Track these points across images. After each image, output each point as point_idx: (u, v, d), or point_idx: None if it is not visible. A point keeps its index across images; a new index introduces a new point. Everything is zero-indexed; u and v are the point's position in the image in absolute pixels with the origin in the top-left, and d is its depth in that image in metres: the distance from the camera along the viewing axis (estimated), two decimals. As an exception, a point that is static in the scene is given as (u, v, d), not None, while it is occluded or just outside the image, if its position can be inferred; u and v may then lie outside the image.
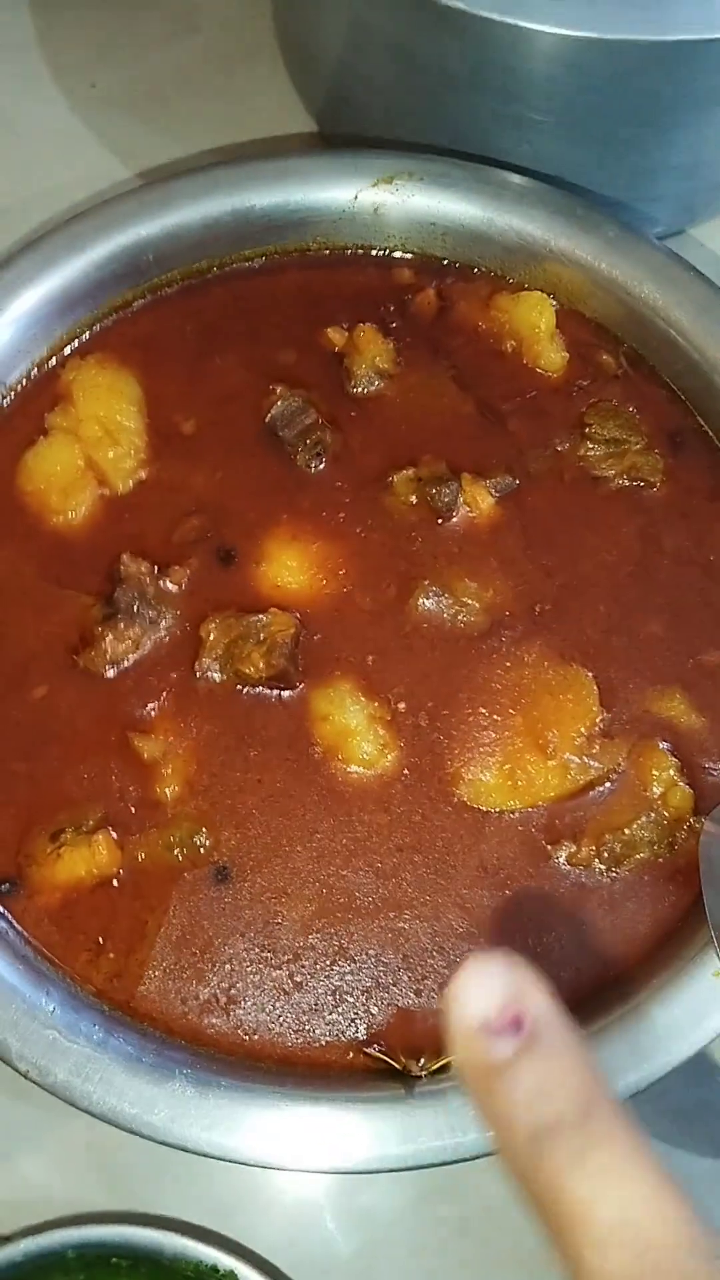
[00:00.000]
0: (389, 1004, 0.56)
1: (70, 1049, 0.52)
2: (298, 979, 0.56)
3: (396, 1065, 0.54)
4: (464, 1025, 0.35)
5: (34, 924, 0.57)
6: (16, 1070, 0.52)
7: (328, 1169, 0.51)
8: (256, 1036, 0.56)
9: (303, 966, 0.57)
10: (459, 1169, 0.51)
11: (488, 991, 0.36)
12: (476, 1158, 0.51)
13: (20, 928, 0.57)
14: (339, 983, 0.56)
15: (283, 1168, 0.51)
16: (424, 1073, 0.53)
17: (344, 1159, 0.51)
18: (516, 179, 0.68)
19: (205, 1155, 0.51)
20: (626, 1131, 0.34)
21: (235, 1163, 0.51)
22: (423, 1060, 0.54)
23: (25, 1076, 0.52)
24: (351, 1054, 0.55)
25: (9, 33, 0.85)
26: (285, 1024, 0.56)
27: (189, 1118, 0.52)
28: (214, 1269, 0.55)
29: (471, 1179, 0.56)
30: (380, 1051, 0.55)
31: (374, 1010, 0.56)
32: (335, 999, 0.56)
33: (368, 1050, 0.55)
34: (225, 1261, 0.55)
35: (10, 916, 0.57)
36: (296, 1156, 0.51)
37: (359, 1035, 0.56)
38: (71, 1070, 0.52)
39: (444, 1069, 0.54)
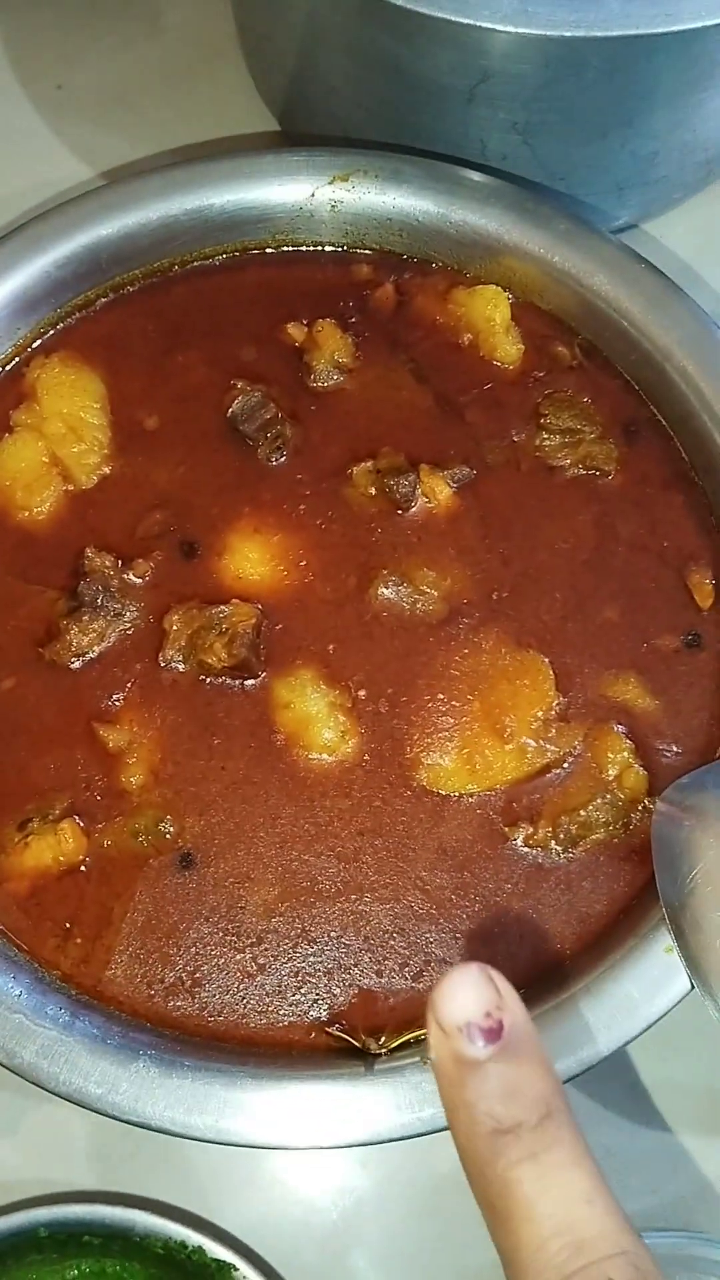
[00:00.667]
0: (350, 984, 0.57)
1: (37, 1032, 0.53)
2: (261, 962, 0.58)
3: (357, 1044, 0.55)
4: (449, 1021, 0.39)
5: (2, 911, 0.58)
6: None
7: (291, 1145, 0.52)
8: (220, 1018, 0.57)
9: (266, 949, 0.58)
10: (424, 1143, 0.52)
11: (475, 997, 0.39)
12: (435, 1132, 0.52)
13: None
14: (301, 965, 0.58)
15: (245, 1144, 0.52)
16: (384, 1050, 0.55)
17: (306, 1135, 0.52)
18: (471, 174, 0.70)
19: (169, 1133, 0.52)
20: (575, 1138, 0.38)
21: (198, 1140, 0.53)
22: (383, 1038, 0.55)
23: (-6, 1059, 0.53)
24: (314, 1034, 0.57)
25: (-28, 38, 0.86)
26: (249, 1005, 0.57)
27: (153, 1097, 0.53)
28: (183, 1245, 0.56)
29: (436, 1152, 0.57)
30: (341, 1031, 0.56)
31: (336, 991, 0.57)
32: (298, 981, 0.57)
33: (329, 1030, 0.56)
34: (194, 1238, 0.57)
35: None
36: (259, 1133, 0.53)
37: (321, 1015, 0.57)
38: (39, 1052, 0.53)
39: (403, 1047, 0.55)
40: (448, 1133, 0.40)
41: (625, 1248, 0.36)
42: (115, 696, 0.62)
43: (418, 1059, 0.54)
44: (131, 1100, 0.53)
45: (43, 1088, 0.53)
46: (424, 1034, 0.55)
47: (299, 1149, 0.52)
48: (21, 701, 0.62)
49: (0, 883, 0.59)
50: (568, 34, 0.56)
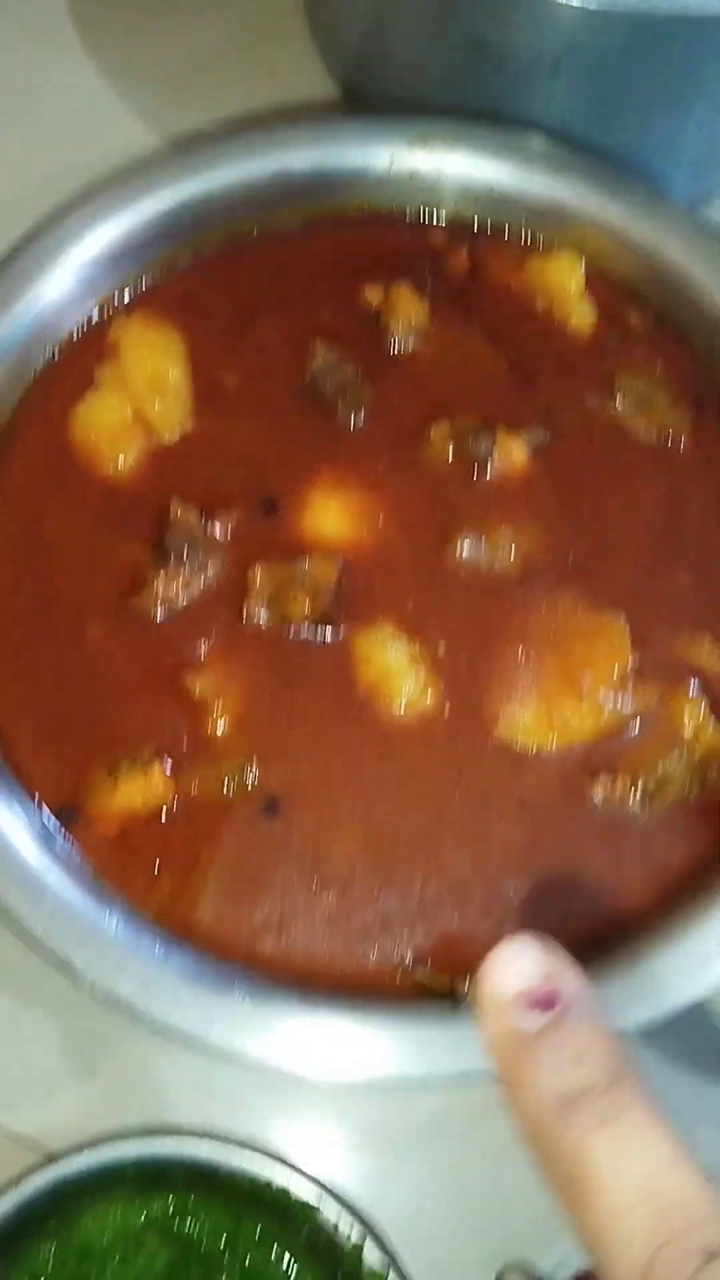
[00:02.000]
0: (434, 930, 0.59)
1: (133, 966, 0.54)
2: (346, 907, 0.59)
3: (443, 986, 0.56)
4: (498, 996, 0.37)
5: (93, 851, 0.59)
6: (79, 982, 0.54)
7: (387, 1082, 0.54)
8: (308, 960, 0.58)
9: (351, 895, 0.59)
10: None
11: (525, 968, 0.38)
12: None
13: (81, 853, 0.58)
14: (385, 911, 0.59)
15: (337, 1081, 0.53)
16: (469, 992, 0.56)
17: (403, 1069, 0.54)
18: (547, 142, 0.71)
19: (262, 1069, 0.53)
20: (649, 1101, 0.35)
21: (289, 1075, 0.54)
22: (469, 980, 0.56)
23: (90, 993, 0.54)
24: (399, 976, 0.58)
25: (43, 10, 0.86)
26: (335, 948, 0.58)
27: (245, 1030, 0.54)
28: (268, 1184, 0.58)
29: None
30: (427, 974, 0.57)
31: (419, 936, 0.59)
32: (382, 926, 0.59)
33: (415, 973, 0.57)
34: (280, 1176, 0.58)
35: (72, 842, 0.59)
36: (349, 1070, 0.54)
37: (406, 959, 0.58)
38: (136, 986, 0.54)
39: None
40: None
41: (714, 1206, 0.33)
42: (200, 647, 0.63)
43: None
44: (226, 1035, 0.54)
45: (138, 1021, 0.54)
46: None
47: (393, 1089, 0.53)
48: (109, 651, 0.63)
49: (90, 824, 0.59)
50: (640, 11, 0.57)
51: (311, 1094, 0.62)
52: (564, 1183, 0.34)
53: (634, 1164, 0.34)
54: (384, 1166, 0.62)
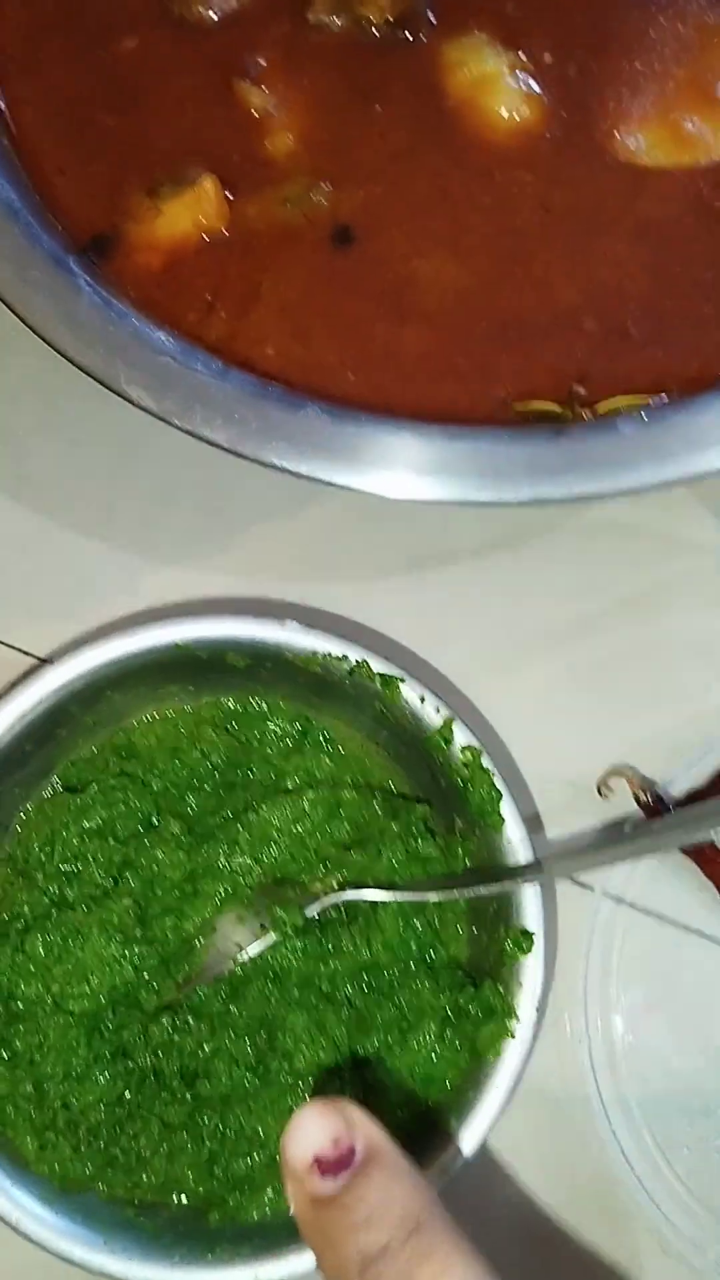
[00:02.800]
0: (538, 366, 0.49)
1: (186, 375, 0.45)
2: (434, 342, 0.50)
3: (553, 410, 0.47)
4: (294, 1164, 0.37)
5: (134, 283, 0.49)
6: (126, 398, 0.45)
7: (487, 500, 0.44)
8: (393, 396, 0.48)
9: (441, 330, 0.50)
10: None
11: (318, 1129, 0.37)
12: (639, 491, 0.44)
13: (120, 284, 0.49)
14: (480, 344, 0.49)
15: (433, 500, 0.44)
16: (587, 414, 0.46)
17: (503, 490, 0.44)
18: None
19: (336, 485, 0.44)
20: (450, 1243, 0.35)
21: (375, 496, 0.45)
22: (585, 409, 0.47)
23: (136, 404, 0.45)
24: (498, 411, 0.48)
25: None
26: (422, 387, 0.49)
27: (322, 445, 0.45)
28: (343, 659, 0.49)
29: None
30: (531, 405, 0.47)
31: (522, 371, 0.49)
32: (477, 362, 0.49)
33: (519, 405, 0.48)
34: (356, 651, 0.49)
35: (109, 273, 0.49)
36: (449, 488, 0.44)
37: (505, 395, 0.48)
38: (186, 397, 0.45)
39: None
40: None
41: None
42: (257, 58, 0.52)
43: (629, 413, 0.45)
44: (299, 451, 0.45)
45: (197, 437, 0.45)
46: (629, 400, 0.46)
47: (502, 505, 0.44)
48: (148, 63, 0.53)
49: (129, 254, 0.50)
50: None
51: (391, 541, 0.53)
52: None
53: None
54: (485, 659, 0.54)
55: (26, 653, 0.53)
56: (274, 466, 0.45)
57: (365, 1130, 0.38)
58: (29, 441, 0.55)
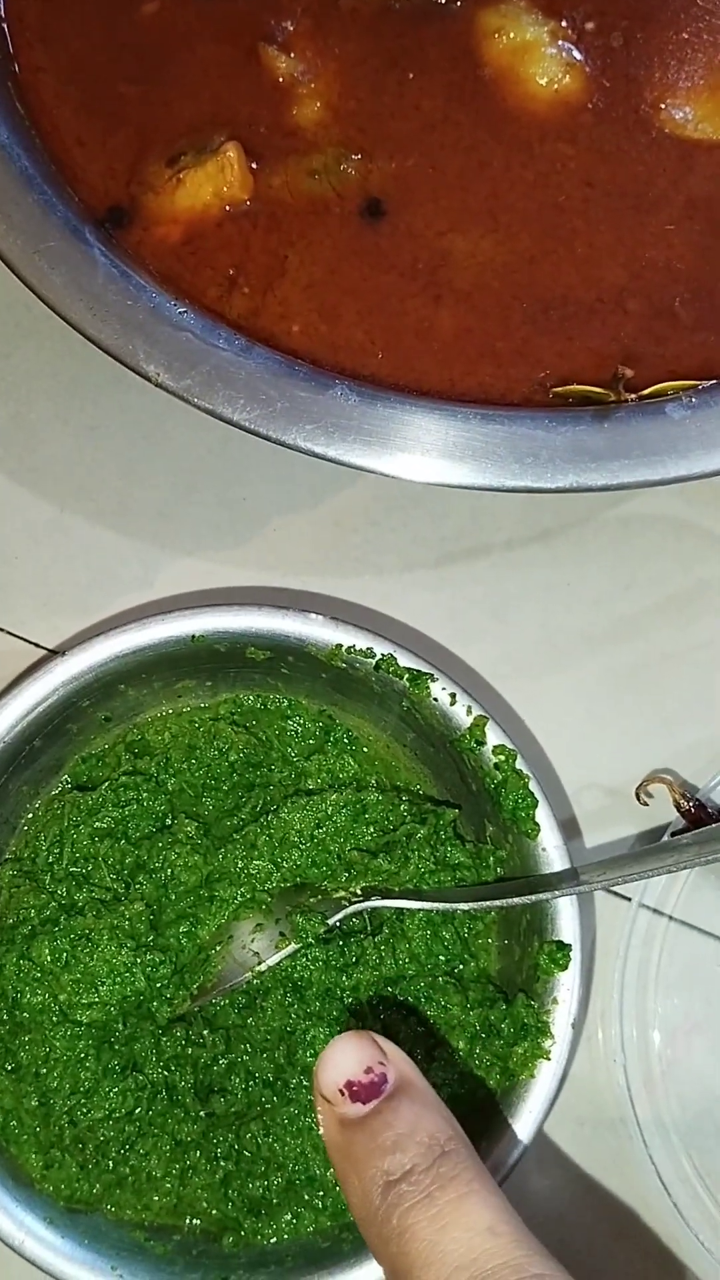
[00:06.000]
0: (581, 346, 0.46)
1: (208, 352, 0.43)
2: (469, 321, 0.47)
3: (598, 391, 0.44)
4: (327, 1087, 0.37)
5: (153, 255, 0.47)
6: (144, 376, 0.42)
7: (525, 486, 0.42)
8: (425, 377, 0.46)
9: (476, 308, 0.47)
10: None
11: (346, 1062, 0.38)
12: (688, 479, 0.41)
13: (139, 256, 0.46)
14: (520, 325, 0.47)
15: (467, 485, 0.42)
16: (631, 398, 0.43)
17: (543, 476, 0.42)
18: None
19: (365, 469, 0.42)
20: (474, 1172, 0.36)
21: (407, 480, 0.42)
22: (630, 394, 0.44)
23: (154, 382, 0.42)
24: (538, 394, 0.45)
25: None
26: (456, 369, 0.47)
27: (351, 427, 0.42)
28: (368, 653, 0.46)
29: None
30: (572, 388, 0.45)
31: (561, 353, 0.46)
32: (515, 342, 0.47)
33: (558, 389, 0.45)
34: (382, 644, 0.47)
35: (126, 245, 0.46)
36: (485, 474, 0.42)
37: (544, 378, 0.46)
38: (210, 374, 0.42)
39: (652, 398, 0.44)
40: None
41: (535, 1271, 0.33)
42: (285, 23, 0.49)
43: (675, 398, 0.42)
44: (323, 430, 0.42)
45: (219, 417, 0.42)
46: (675, 385, 0.44)
47: (538, 491, 0.41)
48: (170, 27, 0.50)
49: (148, 226, 0.47)
50: None
51: (421, 549, 0.51)
52: (391, 1265, 0.35)
53: (452, 1238, 0.34)
54: (518, 658, 0.51)
55: (37, 644, 0.51)
56: (300, 449, 0.42)
57: (397, 1062, 0.38)
58: (43, 429, 0.53)
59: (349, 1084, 0.37)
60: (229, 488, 0.53)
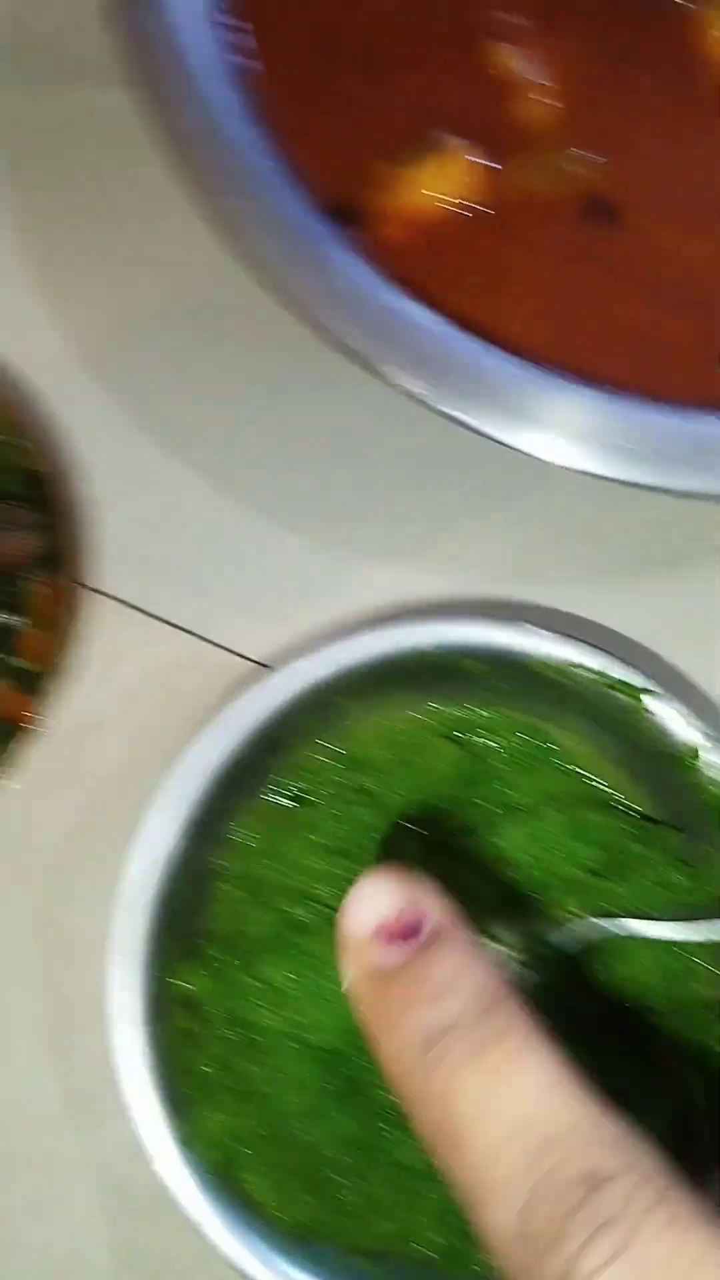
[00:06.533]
0: None
1: (444, 355, 0.43)
2: (704, 335, 0.45)
3: None
4: (356, 934, 0.33)
5: (380, 257, 0.46)
6: (388, 380, 0.41)
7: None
8: (661, 387, 0.45)
9: (713, 316, 0.45)
10: None
11: (380, 902, 0.33)
12: None
13: (366, 259, 0.45)
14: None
15: (695, 493, 0.40)
16: None
17: None
18: None
19: (618, 481, 0.41)
20: (527, 1026, 0.31)
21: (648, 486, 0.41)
22: None
23: (396, 386, 0.41)
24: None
25: None
26: (698, 377, 0.44)
27: (591, 441, 0.41)
28: (584, 665, 0.45)
29: None
30: None
31: None
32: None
33: None
34: (595, 658, 0.45)
35: (357, 246, 0.45)
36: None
37: None
38: (450, 381, 0.41)
39: None
40: None
41: (607, 1136, 0.28)
42: (511, 17, 0.48)
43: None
44: (545, 435, 0.40)
45: (459, 423, 0.41)
46: None
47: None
48: (393, 22, 0.48)
49: (373, 224, 0.46)
50: None
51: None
52: (433, 1131, 0.30)
53: (505, 1098, 0.29)
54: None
55: (240, 655, 0.50)
56: (540, 459, 0.41)
57: (438, 904, 0.34)
58: (240, 431, 0.52)
59: (380, 928, 0.33)
60: (425, 491, 0.52)
